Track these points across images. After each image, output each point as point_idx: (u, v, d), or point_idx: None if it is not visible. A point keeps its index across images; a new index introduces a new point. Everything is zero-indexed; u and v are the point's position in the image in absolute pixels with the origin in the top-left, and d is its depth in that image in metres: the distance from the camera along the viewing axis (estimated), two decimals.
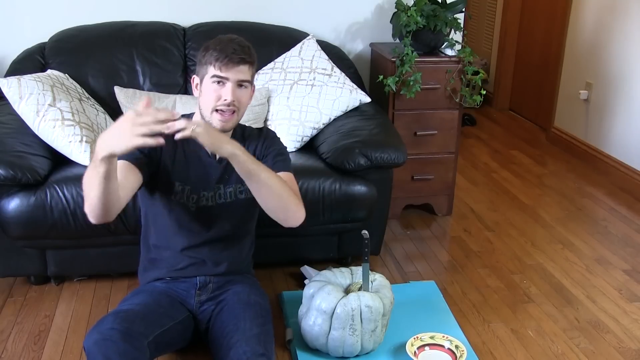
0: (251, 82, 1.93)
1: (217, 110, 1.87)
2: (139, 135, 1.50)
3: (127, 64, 2.87)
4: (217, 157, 1.98)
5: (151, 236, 2.06)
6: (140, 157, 1.86)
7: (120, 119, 1.54)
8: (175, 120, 1.57)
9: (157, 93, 2.82)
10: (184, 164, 1.97)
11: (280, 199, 1.88)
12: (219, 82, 1.86)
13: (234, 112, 1.88)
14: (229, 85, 1.85)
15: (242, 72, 1.86)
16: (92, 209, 1.69)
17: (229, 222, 2.05)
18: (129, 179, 1.81)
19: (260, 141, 2.07)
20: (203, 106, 1.90)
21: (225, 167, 1.99)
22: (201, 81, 1.90)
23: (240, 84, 1.87)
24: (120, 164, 1.78)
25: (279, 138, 2.13)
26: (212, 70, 1.85)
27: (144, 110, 1.53)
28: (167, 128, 1.54)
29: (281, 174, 1.97)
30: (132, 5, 3.05)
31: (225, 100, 1.85)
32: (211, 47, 1.87)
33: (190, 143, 1.94)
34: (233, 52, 1.84)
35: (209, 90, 1.87)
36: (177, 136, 1.61)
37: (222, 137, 1.78)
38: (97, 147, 1.55)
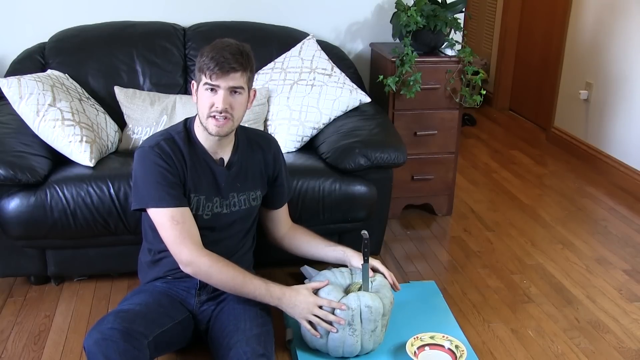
0: (245, 87, 1.92)
1: (212, 116, 1.90)
2: (307, 320, 1.95)
3: (127, 64, 2.87)
4: (225, 163, 2.00)
5: (153, 240, 2.05)
6: (183, 196, 1.94)
7: (308, 297, 1.96)
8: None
9: (157, 93, 2.82)
10: (195, 174, 1.98)
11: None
12: (211, 90, 1.88)
13: (228, 117, 1.90)
14: (221, 93, 1.87)
15: (233, 79, 1.87)
16: (200, 277, 1.94)
17: (238, 224, 2.08)
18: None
19: (268, 153, 2.13)
20: (199, 112, 1.94)
21: (237, 174, 2.02)
22: (197, 87, 1.93)
23: (232, 90, 1.89)
24: (183, 211, 1.92)
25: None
26: (204, 78, 1.88)
27: (324, 303, 1.95)
28: (332, 328, 1.95)
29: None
30: (132, 5, 3.05)
31: (217, 107, 1.87)
32: (205, 53, 1.89)
33: (197, 151, 1.95)
34: (224, 60, 1.85)
35: (202, 97, 1.90)
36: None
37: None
38: (285, 299, 1.95)
